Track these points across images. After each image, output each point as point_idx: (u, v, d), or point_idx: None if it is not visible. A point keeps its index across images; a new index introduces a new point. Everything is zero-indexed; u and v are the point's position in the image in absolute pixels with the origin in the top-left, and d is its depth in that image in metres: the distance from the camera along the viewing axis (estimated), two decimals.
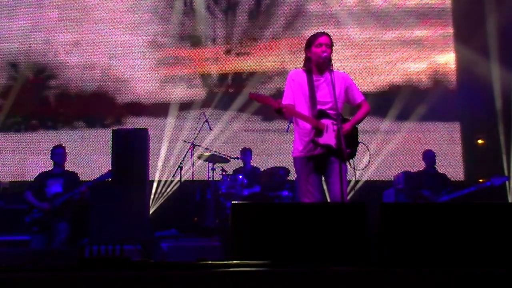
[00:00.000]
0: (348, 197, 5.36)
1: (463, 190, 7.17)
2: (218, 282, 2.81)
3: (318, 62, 4.51)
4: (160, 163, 8.93)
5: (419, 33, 9.84)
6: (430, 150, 7.78)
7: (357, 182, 8.52)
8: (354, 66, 9.53)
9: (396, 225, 3.36)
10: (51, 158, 7.01)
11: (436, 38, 9.88)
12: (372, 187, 8.72)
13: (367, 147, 4.82)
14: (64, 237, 6.63)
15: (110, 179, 7.03)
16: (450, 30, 9.92)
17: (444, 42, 9.89)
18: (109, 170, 6.94)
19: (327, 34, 4.57)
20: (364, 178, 8.86)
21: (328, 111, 4.46)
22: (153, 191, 8.75)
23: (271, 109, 4.41)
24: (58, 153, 6.96)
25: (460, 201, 7.06)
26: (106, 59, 9.29)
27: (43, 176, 6.93)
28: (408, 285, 2.86)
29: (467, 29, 9.57)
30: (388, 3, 9.80)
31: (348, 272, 2.97)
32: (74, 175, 7.04)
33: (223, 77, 9.40)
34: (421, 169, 7.76)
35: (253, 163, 8.51)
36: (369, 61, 9.69)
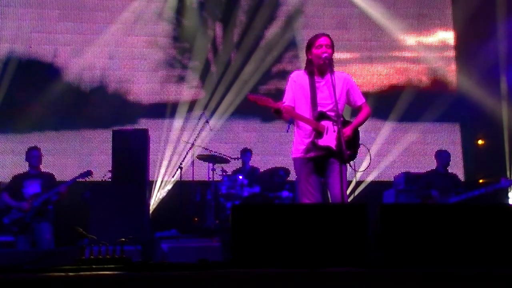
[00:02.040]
0: (349, 199, 5.36)
1: (474, 191, 7.13)
2: (219, 283, 2.81)
3: (319, 64, 4.50)
4: (160, 163, 8.92)
5: (419, 32, 9.85)
6: (445, 150, 7.69)
7: (357, 183, 8.51)
8: (354, 67, 9.52)
9: (396, 226, 3.36)
10: (26, 160, 7.00)
11: (437, 39, 9.88)
12: (373, 188, 8.70)
13: (368, 149, 4.82)
14: (49, 237, 6.63)
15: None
16: (450, 31, 9.92)
17: (444, 42, 9.89)
18: (88, 169, 6.97)
19: (327, 35, 4.55)
20: (365, 179, 8.85)
21: (329, 113, 4.46)
22: (153, 191, 8.74)
23: (270, 109, 4.42)
24: (34, 156, 6.95)
25: (460, 202, 7.05)
26: (106, 59, 9.28)
27: (19, 178, 6.92)
28: (408, 285, 2.86)
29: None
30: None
31: (348, 273, 2.97)
32: (50, 176, 7.03)
33: (223, 77, 9.38)
34: (431, 169, 7.71)
35: (253, 163, 8.50)
36: (369, 62, 9.68)
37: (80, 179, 6.95)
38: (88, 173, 6.96)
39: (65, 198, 6.81)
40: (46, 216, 6.70)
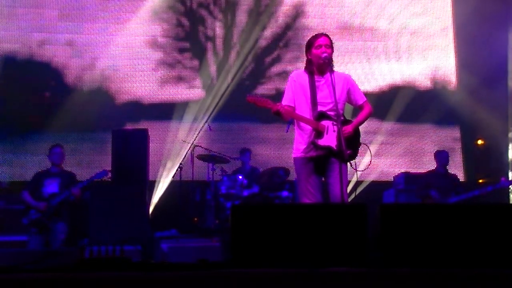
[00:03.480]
0: (349, 198, 5.38)
1: (474, 191, 7.15)
2: (219, 283, 2.81)
3: (318, 64, 4.52)
4: (160, 164, 8.92)
5: (420, 32, 9.85)
6: (444, 150, 7.73)
7: (357, 182, 8.51)
8: (355, 67, 9.52)
9: (396, 226, 3.36)
10: (49, 157, 6.99)
11: (437, 38, 9.88)
12: (373, 188, 8.70)
13: (368, 148, 4.83)
14: (63, 238, 6.61)
15: (107, 178, 7.02)
16: (451, 30, 9.92)
17: (444, 42, 9.89)
18: (104, 169, 6.94)
19: (326, 35, 4.59)
20: (365, 179, 8.84)
21: (329, 113, 4.47)
22: (153, 191, 8.73)
23: (270, 111, 4.44)
24: (56, 152, 6.93)
25: (460, 202, 7.05)
26: (106, 59, 9.27)
27: (40, 176, 6.90)
28: (408, 285, 2.86)
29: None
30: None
31: (348, 273, 2.97)
32: (71, 175, 7.00)
33: (223, 77, 9.39)
34: (431, 169, 7.73)
35: (253, 163, 8.50)
36: (369, 62, 9.67)
37: (97, 179, 6.91)
38: (105, 173, 6.91)
39: (79, 199, 6.77)
40: (62, 216, 6.68)
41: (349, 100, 4.68)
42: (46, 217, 6.58)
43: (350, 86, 4.65)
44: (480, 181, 9.03)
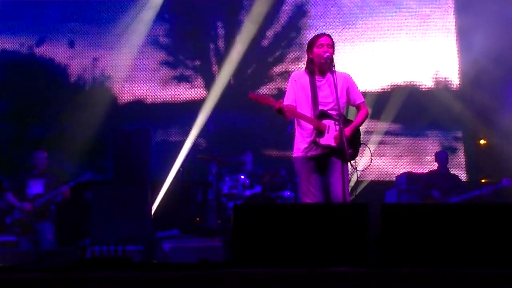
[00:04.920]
0: (350, 197, 5.41)
1: (475, 191, 7.17)
2: (220, 283, 2.81)
3: (320, 63, 4.53)
4: (161, 164, 8.91)
5: (421, 32, 9.83)
6: (443, 150, 7.79)
7: (359, 182, 8.51)
8: (356, 67, 9.50)
9: (398, 226, 3.36)
10: (31, 161, 6.93)
11: (439, 38, 9.86)
12: (375, 188, 8.69)
13: (369, 148, 4.84)
14: (51, 237, 6.60)
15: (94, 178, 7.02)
16: (452, 30, 9.91)
17: (447, 41, 9.87)
18: (88, 171, 6.92)
19: (328, 35, 4.61)
20: (366, 179, 8.83)
21: (330, 112, 4.48)
22: (155, 191, 8.71)
23: (272, 109, 4.44)
24: (40, 157, 6.88)
25: (462, 202, 7.06)
26: (107, 59, 9.27)
27: (24, 177, 6.88)
28: (408, 285, 2.86)
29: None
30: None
31: (348, 273, 2.97)
32: (54, 176, 6.99)
33: (225, 77, 9.38)
34: (433, 169, 7.75)
35: (255, 163, 8.49)
36: (370, 62, 9.66)
37: (82, 180, 6.91)
38: (89, 174, 6.93)
39: (68, 199, 6.78)
40: (48, 216, 6.69)
41: (347, 99, 4.68)
42: (29, 218, 6.58)
43: (349, 85, 4.67)
44: (483, 181, 9.02)
